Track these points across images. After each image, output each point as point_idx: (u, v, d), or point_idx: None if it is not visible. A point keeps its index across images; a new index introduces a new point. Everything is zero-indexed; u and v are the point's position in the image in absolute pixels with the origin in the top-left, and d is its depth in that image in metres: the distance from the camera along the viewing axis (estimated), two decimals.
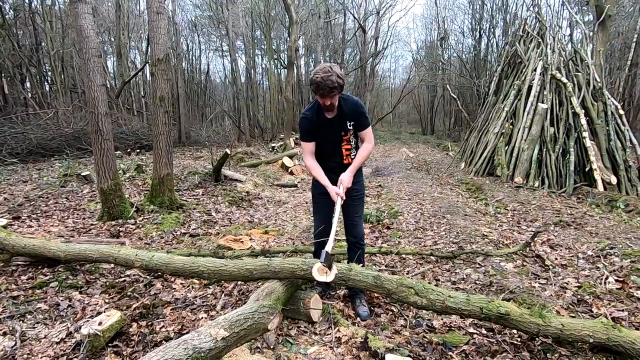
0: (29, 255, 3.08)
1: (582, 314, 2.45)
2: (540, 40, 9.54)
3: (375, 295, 2.66)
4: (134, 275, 3.09)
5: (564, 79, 8.10)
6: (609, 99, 7.85)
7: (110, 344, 2.11)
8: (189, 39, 22.47)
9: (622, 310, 2.43)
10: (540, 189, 7.06)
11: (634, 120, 14.55)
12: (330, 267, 2.11)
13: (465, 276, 3.13)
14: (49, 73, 13.78)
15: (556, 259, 3.46)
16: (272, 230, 4.58)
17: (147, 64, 13.53)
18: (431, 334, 2.27)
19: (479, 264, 3.37)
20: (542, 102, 8.21)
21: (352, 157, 2.56)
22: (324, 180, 2.46)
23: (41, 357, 2.02)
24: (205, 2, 20.56)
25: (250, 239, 4.12)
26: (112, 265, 3.07)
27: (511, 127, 8.64)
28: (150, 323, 2.36)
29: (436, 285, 2.98)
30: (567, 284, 2.90)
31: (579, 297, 2.67)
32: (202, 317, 2.46)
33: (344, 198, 2.40)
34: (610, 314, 2.38)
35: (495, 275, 3.07)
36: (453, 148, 15.50)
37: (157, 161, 5.08)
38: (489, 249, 3.72)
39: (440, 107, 30.04)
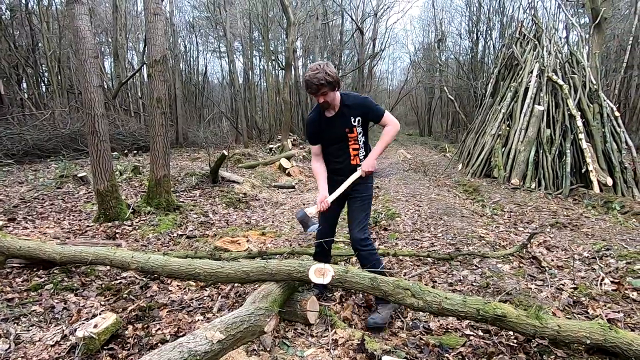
0: (24, 257, 3.06)
1: (578, 316, 2.46)
2: (536, 42, 9.60)
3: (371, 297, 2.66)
4: (130, 277, 3.07)
5: (560, 81, 8.15)
6: (604, 101, 7.90)
7: (105, 347, 2.10)
8: (187, 40, 22.46)
9: (618, 312, 2.44)
10: (536, 191, 7.09)
11: (629, 122, 14.66)
12: (305, 227, 2.48)
13: (462, 278, 3.13)
14: (46, 74, 13.73)
15: (552, 260, 3.47)
16: (270, 232, 4.57)
17: (144, 65, 13.50)
18: (428, 336, 2.27)
19: (475, 265, 3.37)
20: (539, 104, 8.25)
21: (361, 158, 2.48)
22: (320, 183, 2.50)
23: None
24: (202, 3, 20.56)
25: (248, 241, 4.11)
26: (108, 267, 3.05)
27: (508, 128, 8.68)
28: (146, 325, 2.35)
29: (433, 287, 2.98)
30: (563, 285, 2.91)
31: (575, 298, 2.68)
32: (198, 320, 2.45)
33: (326, 207, 2.41)
34: (606, 315, 2.39)
35: (492, 277, 3.08)
36: (450, 149, 15.55)
37: (154, 162, 5.07)
38: (486, 251, 3.72)
39: (437, 108, 30.16)
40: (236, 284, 2.87)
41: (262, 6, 18.49)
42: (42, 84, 14.08)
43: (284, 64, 17.65)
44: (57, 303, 2.60)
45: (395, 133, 2.43)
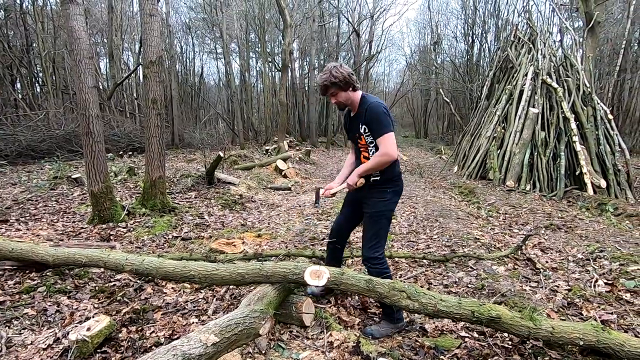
0: (17, 260, 3.02)
1: (572, 317, 2.47)
2: (531, 45, 9.69)
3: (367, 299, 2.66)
4: (124, 279, 3.05)
5: (555, 84, 8.23)
6: (598, 103, 7.99)
7: (99, 350, 2.08)
8: (183, 41, 22.44)
9: (611, 313, 2.46)
10: (531, 193, 7.14)
11: (622, 125, 14.83)
12: (316, 199, 2.54)
13: (457, 279, 3.14)
14: (40, 74, 13.64)
15: (547, 262, 3.49)
16: (265, 234, 4.56)
17: (139, 66, 13.45)
18: (423, 338, 2.27)
19: (471, 267, 3.38)
20: (533, 107, 8.32)
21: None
22: (339, 174, 2.57)
23: None
24: (199, 4, 20.54)
25: (243, 243, 4.09)
26: (102, 269, 3.02)
27: (503, 131, 8.74)
28: (140, 328, 2.33)
29: (429, 288, 2.99)
30: (557, 287, 2.93)
31: (569, 300, 2.70)
32: (193, 322, 2.43)
33: (328, 195, 2.45)
34: (599, 317, 2.40)
35: (487, 279, 3.09)
36: (446, 151, 15.63)
37: (149, 164, 5.04)
38: (481, 253, 3.74)
39: (433, 110, 30.32)
40: (231, 286, 2.85)
41: (258, 8, 18.51)
42: (37, 85, 13.99)
43: (280, 66, 17.65)
44: (49, 306, 2.57)
45: (384, 162, 2.18)
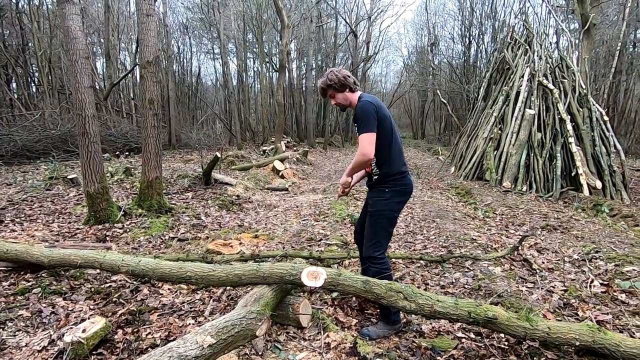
0: (11, 261, 3.00)
1: (568, 317, 2.48)
2: (527, 47, 9.74)
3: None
4: (120, 280, 3.03)
5: (551, 86, 8.28)
6: (594, 105, 8.04)
7: (94, 352, 2.07)
8: (180, 41, 22.37)
9: (607, 314, 2.47)
10: (527, 194, 7.18)
11: (618, 126, 14.94)
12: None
13: (454, 280, 3.15)
14: (36, 74, 13.57)
15: (543, 262, 3.50)
16: (262, 235, 4.55)
17: (136, 66, 13.40)
18: (420, 339, 2.28)
19: (467, 267, 3.39)
20: (530, 108, 8.36)
21: (373, 168, 2.38)
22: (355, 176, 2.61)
23: None
24: (196, 4, 20.49)
25: (240, 243, 4.08)
26: (98, 270, 3.00)
27: (500, 132, 8.78)
28: (136, 330, 2.32)
29: (425, 289, 2.99)
30: (553, 287, 2.94)
31: (565, 300, 2.71)
32: (189, 324, 2.42)
33: (340, 191, 2.63)
34: (595, 317, 2.42)
35: (484, 279, 3.10)
36: (443, 152, 15.68)
37: (146, 164, 5.02)
38: (478, 253, 3.75)
39: (430, 111, 30.41)
40: (228, 288, 2.84)
41: (256, 8, 18.49)
42: (32, 84, 13.91)
43: (278, 66, 17.65)
44: (44, 307, 2.55)
45: (360, 162, 2.20)
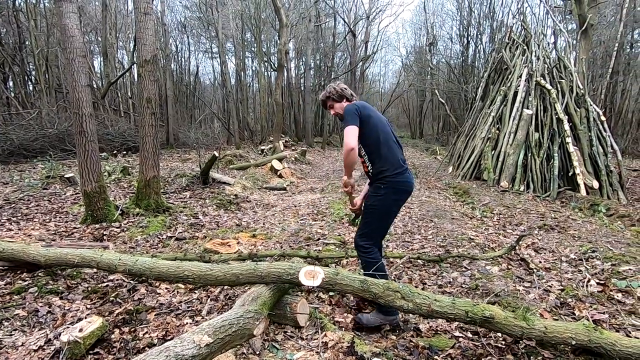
0: (7, 260, 2.98)
1: (565, 317, 2.49)
2: (525, 47, 9.76)
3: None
4: (117, 280, 3.02)
5: (548, 86, 8.30)
6: (591, 105, 8.07)
7: (91, 351, 2.06)
8: (178, 40, 22.31)
9: (603, 313, 2.48)
10: (525, 193, 7.20)
11: (615, 126, 15.00)
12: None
13: (451, 280, 3.15)
14: (33, 72, 13.50)
15: (540, 262, 3.52)
16: (260, 234, 4.54)
17: (134, 65, 13.35)
18: (417, 338, 2.28)
19: (465, 267, 3.40)
20: (527, 108, 8.39)
21: (367, 166, 2.50)
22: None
23: None
24: (194, 3, 20.44)
25: (238, 243, 4.07)
26: (95, 270, 2.99)
27: (497, 132, 8.80)
28: (133, 329, 2.31)
29: (423, 289, 3.00)
30: (550, 287, 2.95)
31: (561, 299, 2.72)
32: (187, 323, 2.42)
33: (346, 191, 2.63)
34: (591, 316, 2.42)
35: (481, 279, 3.11)
36: (441, 152, 15.71)
37: (143, 163, 5.00)
38: (475, 253, 3.76)
39: (428, 111, 30.45)
40: (226, 287, 2.84)
41: (254, 7, 18.46)
42: (29, 83, 13.83)
43: (276, 66, 17.63)
44: (41, 307, 2.54)
45: (345, 154, 2.27)
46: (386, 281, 2.12)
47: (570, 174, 7.25)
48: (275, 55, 20.53)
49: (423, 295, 2.04)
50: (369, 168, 2.49)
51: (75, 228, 4.39)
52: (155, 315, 2.51)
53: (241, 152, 12.55)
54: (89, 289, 2.86)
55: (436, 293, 2.92)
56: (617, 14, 14.76)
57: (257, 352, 2.08)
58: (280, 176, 9.68)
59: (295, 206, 6.26)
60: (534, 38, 9.81)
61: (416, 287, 3.00)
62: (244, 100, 20.56)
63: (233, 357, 2.01)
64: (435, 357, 2.08)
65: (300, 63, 23.29)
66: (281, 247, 4.02)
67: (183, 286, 2.93)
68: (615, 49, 14.29)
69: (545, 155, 7.67)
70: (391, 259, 3.57)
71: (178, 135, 16.58)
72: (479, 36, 21.66)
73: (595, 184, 7.07)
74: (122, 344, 2.14)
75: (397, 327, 2.41)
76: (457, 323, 2.37)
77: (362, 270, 2.73)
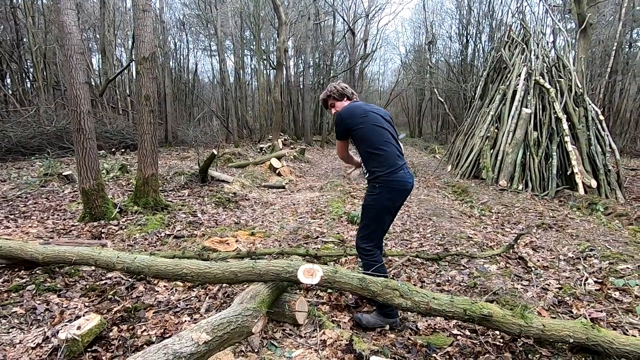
0: (5, 258, 2.97)
1: (563, 315, 2.50)
2: (524, 46, 9.76)
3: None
4: (115, 277, 3.02)
5: (547, 85, 8.30)
6: (589, 104, 8.08)
7: (89, 349, 2.06)
8: (177, 37, 22.23)
9: (601, 311, 2.49)
10: (523, 192, 7.21)
11: (613, 125, 15.03)
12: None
13: (450, 278, 3.16)
14: (31, 69, 13.42)
15: (538, 260, 3.52)
16: (259, 232, 4.54)
17: (132, 62, 13.30)
18: (416, 336, 2.28)
19: (463, 265, 3.41)
20: (526, 107, 8.39)
21: (363, 168, 2.54)
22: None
23: None
24: (193, 0, 20.35)
25: (237, 241, 4.07)
26: (93, 267, 2.99)
27: (496, 131, 8.81)
28: (131, 327, 2.31)
29: (421, 287, 3.00)
30: (548, 285, 2.96)
31: (559, 298, 2.73)
32: (185, 321, 2.41)
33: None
34: (589, 315, 2.43)
35: (479, 277, 3.11)
36: (440, 151, 15.72)
37: (141, 161, 4.99)
38: (474, 251, 3.77)
39: (427, 110, 30.46)
40: (224, 285, 2.84)
41: (253, 5, 18.41)
42: (27, 80, 13.76)
43: (275, 64, 17.59)
44: (39, 304, 2.53)
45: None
46: (385, 279, 2.12)
47: (568, 173, 7.26)
48: (274, 53, 20.47)
49: (421, 293, 2.04)
50: (364, 170, 2.52)
51: (73, 226, 4.38)
52: (153, 313, 2.51)
53: (240, 150, 12.54)
54: (87, 286, 2.85)
55: (434, 291, 2.92)
56: (616, 13, 14.77)
57: (256, 350, 2.08)
58: (279, 174, 9.67)
59: (294, 204, 6.25)
60: (533, 37, 9.80)
61: (415, 285, 3.00)
62: (242, 99, 20.51)
63: (231, 355, 2.01)
64: (434, 355, 2.08)
65: (300, 61, 23.25)
66: (280, 246, 4.02)
67: (181, 284, 2.92)
68: (614, 48, 14.30)
69: (543, 154, 7.69)
70: (389, 257, 3.57)
71: (177, 133, 16.54)
72: (478, 35, 21.65)
73: (594, 183, 7.08)
74: (120, 342, 2.14)
75: (396, 327, 2.40)
76: (455, 321, 2.37)
77: (360, 269, 2.73)
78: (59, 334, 2.02)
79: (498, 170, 8.08)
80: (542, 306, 2.59)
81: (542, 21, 17.42)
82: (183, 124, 18.28)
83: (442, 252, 3.73)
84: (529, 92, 8.61)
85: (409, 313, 2.49)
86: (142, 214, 4.84)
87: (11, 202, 5.20)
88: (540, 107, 8.35)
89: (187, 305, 2.64)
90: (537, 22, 14.63)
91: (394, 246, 4.08)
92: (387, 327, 2.39)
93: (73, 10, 4.25)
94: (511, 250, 3.69)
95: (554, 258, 3.60)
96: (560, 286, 2.92)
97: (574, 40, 10.82)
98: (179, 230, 4.49)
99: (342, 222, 5.02)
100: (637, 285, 2.81)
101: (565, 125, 7.55)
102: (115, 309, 2.49)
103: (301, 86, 22.14)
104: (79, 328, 2.04)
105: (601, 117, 8.14)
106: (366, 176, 2.50)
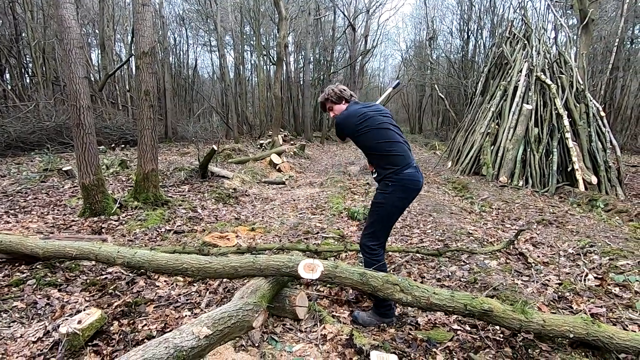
0: (5, 252, 2.97)
1: (563, 310, 2.51)
2: (526, 42, 9.71)
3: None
4: (116, 272, 3.02)
5: (549, 81, 8.27)
6: (591, 101, 8.05)
7: (90, 343, 2.06)
8: (177, 32, 22.12)
9: (601, 307, 2.49)
10: (524, 188, 7.20)
11: (614, 122, 14.99)
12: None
13: (450, 273, 3.16)
14: (30, 64, 13.36)
15: (538, 256, 3.53)
16: (259, 228, 4.54)
17: (132, 57, 13.24)
18: (416, 331, 2.29)
19: (463, 261, 3.41)
20: (527, 103, 8.36)
21: (373, 169, 2.48)
22: None
23: (17, 357, 1.96)
24: None
25: (237, 236, 4.07)
26: (94, 262, 2.99)
27: (497, 127, 8.78)
28: (132, 321, 2.31)
29: (422, 282, 3.01)
30: (548, 281, 2.97)
31: (559, 293, 2.73)
32: (186, 315, 2.42)
33: None
34: (589, 310, 2.44)
35: (480, 273, 3.11)
36: (440, 147, 15.69)
37: (141, 156, 4.98)
38: (474, 247, 3.77)
39: (428, 106, 30.36)
40: (224, 280, 2.84)
41: (253, 0, 18.29)
42: (26, 75, 13.70)
43: (275, 59, 17.51)
44: (39, 299, 2.53)
45: None
46: (385, 274, 2.12)
47: (569, 169, 7.25)
48: (275, 48, 20.37)
49: (422, 289, 2.04)
50: (373, 170, 2.46)
51: (73, 221, 4.38)
52: (154, 307, 2.51)
53: (240, 146, 12.51)
54: (88, 281, 2.85)
55: (435, 286, 2.93)
56: (618, 9, 14.68)
57: (256, 344, 2.08)
58: (279, 170, 9.66)
59: (294, 200, 6.25)
60: (534, 33, 9.75)
61: (415, 280, 3.01)
62: (242, 94, 20.44)
63: (232, 349, 2.02)
64: (434, 349, 2.09)
65: (300, 57, 23.14)
66: (280, 241, 4.02)
67: (182, 279, 2.93)
68: (616, 44, 14.22)
69: (544, 151, 7.67)
70: (390, 253, 3.58)
71: (176, 129, 16.50)
72: (480, 31, 21.52)
73: (594, 180, 7.07)
74: (121, 336, 2.14)
75: (393, 326, 2.39)
76: (455, 316, 2.37)
77: (361, 264, 2.73)
78: (59, 328, 2.02)
79: (498, 166, 8.07)
80: (542, 301, 2.59)
81: (543, 17, 17.33)
82: (183, 119, 18.24)
83: (442, 247, 3.73)
84: (530, 88, 8.57)
85: (409, 308, 2.50)
86: (142, 209, 4.84)
87: (11, 197, 5.20)
88: (541, 103, 8.32)
89: (187, 300, 2.64)
90: (538, 18, 14.55)
91: (394, 242, 4.08)
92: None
93: (72, 4, 4.22)
94: (511, 246, 3.69)
95: (554, 254, 3.60)
96: (560, 282, 2.93)
97: (575, 36, 10.77)
98: (179, 226, 4.49)
99: (342, 217, 5.02)
100: (637, 281, 2.82)
101: (566, 122, 7.53)
102: (115, 304, 2.49)
103: (301, 82, 22.06)
104: (79, 322, 2.04)
105: (602, 114, 8.11)
106: (374, 177, 2.46)
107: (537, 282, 2.94)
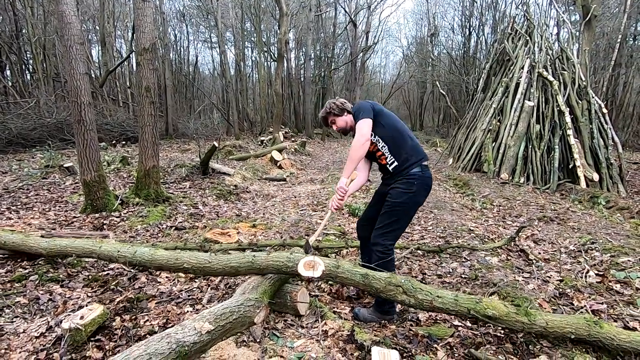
0: (9, 250, 2.99)
1: (564, 307, 2.51)
2: (528, 38, 9.66)
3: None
4: (117, 268, 3.03)
5: (550, 77, 8.23)
6: (593, 97, 8.02)
7: (92, 338, 2.07)
8: (177, 29, 22.06)
9: (602, 303, 2.49)
10: (525, 185, 7.19)
11: (616, 119, 14.93)
12: (306, 252, 2.29)
13: (451, 270, 3.17)
14: (30, 61, 13.34)
15: (539, 253, 3.53)
16: (260, 224, 4.55)
17: (132, 53, 13.21)
18: (417, 327, 2.29)
19: (464, 258, 3.41)
20: (529, 100, 8.33)
21: (387, 158, 2.35)
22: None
23: (20, 352, 1.97)
24: None
25: (238, 233, 4.08)
26: (95, 259, 3.00)
27: (498, 124, 8.76)
28: (134, 317, 2.32)
29: (423, 278, 3.01)
30: (549, 277, 2.97)
31: (560, 290, 2.73)
32: (187, 311, 2.43)
33: (332, 206, 2.45)
34: (590, 307, 2.44)
35: (481, 269, 3.12)
36: (441, 144, 15.67)
37: (142, 153, 4.98)
38: (475, 244, 3.77)
39: (429, 103, 30.30)
40: (226, 276, 2.85)
41: None
42: (27, 72, 13.69)
43: (276, 56, 17.46)
44: (42, 294, 2.55)
45: (356, 144, 2.19)
46: (388, 275, 2.09)
47: (570, 166, 7.23)
48: (275, 45, 20.30)
49: (425, 291, 2.00)
50: (390, 161, 2.33)
51: (75, 217, 4.39)
52: (156, 303, 2.52)
53: (241, 143, 12.51)
54: (90, 277, 2.87)
55: (436, 283, 2.94)
56: (621, 5, 14.59)
57: (258, 340, 2.09)
58: (280, 167, 9.66)
59: (295, 197, 6.25)
60: (537, 29, 9.69)
61: (415, 277, 3.01)
62: (243, 91, 20.41)
63: (234, 345, 2.02)
64: (435, 345, 2.09)
65: (300, 53, 23.06)
66: (281, 237, 4.02)
67: (183, 275, 2.94)
68: (618, 40, 14.15)
69: (545, 147, 7.65)
70: None
71: (177, 126, 16.49)
72: (481, 27, 21.43)
73: (596, 177, 7.06)
74: (123, 331, 2.15)
75: (394, 322, 2.40)
76: None
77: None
78: (62, 324, 2.03)
79: (500, 163, 8.06)
80: (543, 298, 2.59)
81: (546, 13, 17.23)
82: (184, 116, 18.23)
83: (443, 244, 3.74)
84: (531, 85, 8.54)
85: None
86: (143, 205, 4.85)
87: (13, 194, 5.21)
88: (543, 99, 8.28)
89: (189, 296, 2.65)
90: (541, 14, 14.47)
91: None
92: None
93: (72, 0, 4.20)
94: (512, 243, 3.69)
95: (555, 251, 3.60)
96: (561, 278, 2.93)
97: (578, 33, 10.71)
98: (181, 222, 4.50)
99: (343, 214, 5.02)
100: (638, 277, 2.81)
101: (568, 119, 7.50)
102: (117, 299, 2.50)
103: (302, 78, 21.99)
104: (82, 318, 2.05)
105: (604, 111, 8.08)
106: (393, 167, 2.32)
107: (538, 278, 2.94)
